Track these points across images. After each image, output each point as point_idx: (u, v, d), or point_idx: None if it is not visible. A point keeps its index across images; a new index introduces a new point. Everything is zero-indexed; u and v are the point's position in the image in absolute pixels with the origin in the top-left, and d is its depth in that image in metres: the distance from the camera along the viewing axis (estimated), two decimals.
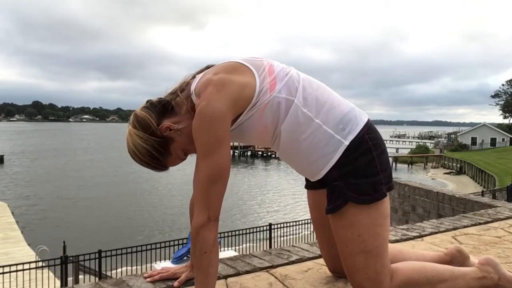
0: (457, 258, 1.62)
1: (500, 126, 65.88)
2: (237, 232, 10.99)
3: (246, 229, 11.49)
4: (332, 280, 1.68)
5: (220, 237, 10.42)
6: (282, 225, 12.15)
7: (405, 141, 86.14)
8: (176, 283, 1.52)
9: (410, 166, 47.28)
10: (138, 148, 1.35)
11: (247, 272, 1.74)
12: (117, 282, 1.58)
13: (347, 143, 1.37)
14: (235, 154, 54.01)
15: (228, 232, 10.94)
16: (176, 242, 10.33)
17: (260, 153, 54.89)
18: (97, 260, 9.21)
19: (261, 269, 1.78)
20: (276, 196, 27.31)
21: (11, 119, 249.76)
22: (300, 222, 12.32)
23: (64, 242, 10.50)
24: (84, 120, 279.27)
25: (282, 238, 12.23)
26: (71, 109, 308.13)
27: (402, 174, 38.05)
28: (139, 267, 9.57)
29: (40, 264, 9.59)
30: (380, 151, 1.41)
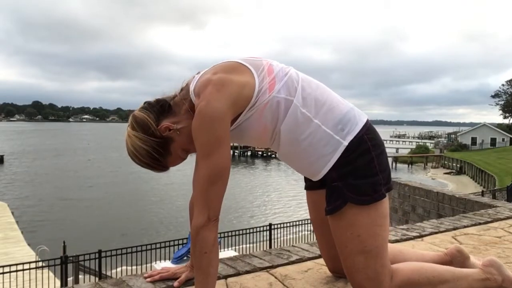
0: (457, 258, 1.61)
1: (500, 126, 65.89)
2: (237, 232, 10.99)
3: (246, 229, 11.49)
4: (332, 280, 1.68)
5: (220, 237, 10.42)
6: (282, 225, 12.14)
7: (405, 141, 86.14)
8: (176, 283, 1.52)
9: (410, 166, 47.28)
10: (138, 149, 1.35)
11: (247, 272, 1.74)
12: (117, 282, 1.58)
13: (346, 143, 1.36)
14: (235, 154, 54.01)
15: (228, 232, 10.94)
16: (176, 242, 10.33)
17: (260, 153, 54.88)
18: (97, 260, 9.21)
19: (261, 269, 1.78)
20: (276, 196, 27.31)
21: (11, 119, 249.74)
22: (300, 222, 12.32)
23: (64, 242, 10.51)
24: (84, 120, 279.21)
25: (282, 238, 12.23)
26: (71, 109, 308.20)
27: (402, 174, 38.04)
28: (139, 267, 9.56)
29: (40, 264, 9.60)
30: (379, 151, 1.40)
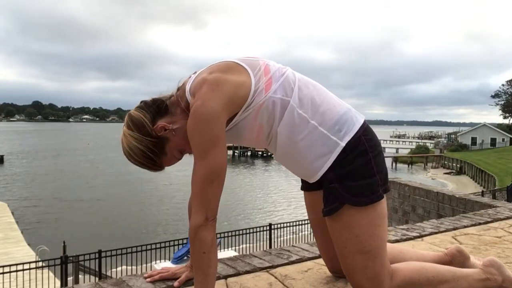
0: (457, 258, 1.61)
1: (500, 126, 65.89)
2: (237, 232, 10.99)
3: (246, 229, 11.49)
4: (332, 280, 1.68)
5: (220, 237, 10.43)
6: (282, 225, 12.15)
7: (405, 141, 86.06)
8: (176, 283, 1.52)
9: (410, 166, 47.27)
10: (133, 149, 1.34)
11: (247, 272, 1.74)
12: (117, 282, 1.58)
13: (343, 144, 1.36)
14: (235, 154, 54.00)
15: (228, 232, 10.95)
16: (176, 242, 10.32)
17: (260, 153, 54.85)
18: (97, 260, 9.21)
19: (261, 269, 1.78)
20: (276, 196, 27.30)
21: (11, 119, 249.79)
22: (300, 222, 12.31)
23: (64, 242, 10.52)
24: (84, 120, 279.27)
25: (282, 238, 12.23)
26: (71, 109, 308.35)
27: (402, 174, 37.99)
28: (139, 267, 9.56)
29: (40, 264, 9.60)
30: (377, 152, 1.40)
